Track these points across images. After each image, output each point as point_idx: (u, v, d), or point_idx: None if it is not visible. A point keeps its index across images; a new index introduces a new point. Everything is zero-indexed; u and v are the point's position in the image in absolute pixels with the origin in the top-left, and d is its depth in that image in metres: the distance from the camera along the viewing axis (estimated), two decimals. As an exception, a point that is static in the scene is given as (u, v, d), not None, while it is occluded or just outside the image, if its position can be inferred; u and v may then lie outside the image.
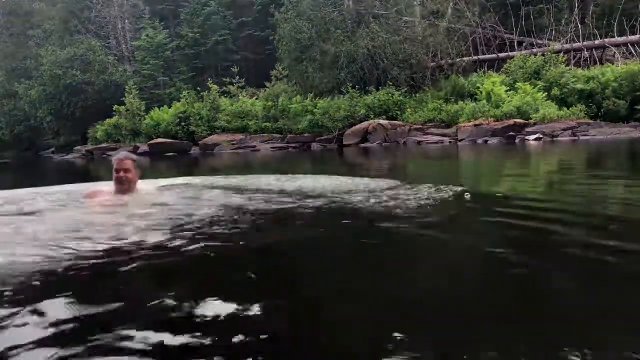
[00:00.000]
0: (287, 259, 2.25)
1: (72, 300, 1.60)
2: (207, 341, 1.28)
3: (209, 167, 11.16)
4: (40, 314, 1.49)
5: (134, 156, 3.80)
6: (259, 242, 2.50)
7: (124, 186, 3.55)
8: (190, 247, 2.26)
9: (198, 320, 1.43)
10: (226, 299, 1.59)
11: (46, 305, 1.56)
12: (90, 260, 2.06)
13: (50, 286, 1.79)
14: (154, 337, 1.31)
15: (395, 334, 1.27)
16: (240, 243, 2.46)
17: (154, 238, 2.43)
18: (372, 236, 2.53)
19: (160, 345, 1.27)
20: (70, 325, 1.40)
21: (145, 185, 3.94)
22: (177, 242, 2.34)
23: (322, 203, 3.51)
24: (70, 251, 2.21)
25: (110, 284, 1.86)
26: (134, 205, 3.40)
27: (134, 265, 2.01)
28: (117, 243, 2.36)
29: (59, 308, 1.53)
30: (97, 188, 3.86)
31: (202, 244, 2.31)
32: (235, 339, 1.29)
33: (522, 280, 1.77)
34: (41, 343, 1.29)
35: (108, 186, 3.74)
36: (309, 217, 3.16)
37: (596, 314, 1.45)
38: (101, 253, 2.17)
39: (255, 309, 1.49)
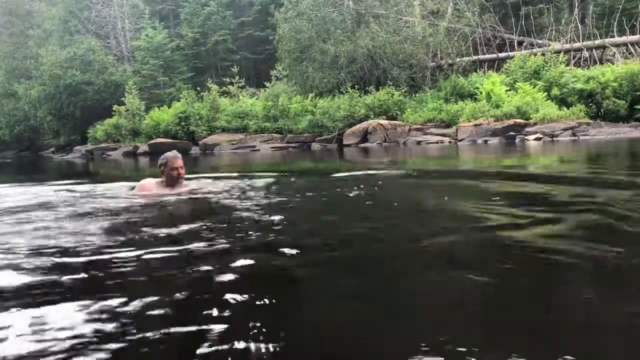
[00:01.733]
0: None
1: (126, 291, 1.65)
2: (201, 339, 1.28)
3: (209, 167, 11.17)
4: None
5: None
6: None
7: (180, 181, 4.02)
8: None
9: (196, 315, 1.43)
10: (228, 294, 1.59)
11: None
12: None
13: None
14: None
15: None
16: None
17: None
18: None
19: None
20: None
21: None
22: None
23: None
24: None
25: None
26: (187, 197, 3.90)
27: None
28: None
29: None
30: (148, 181, 4.18)
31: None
32: (238, 343, 1.29)
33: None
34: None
35: (154, 180, 4.18)
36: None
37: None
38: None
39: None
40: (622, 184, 4.10)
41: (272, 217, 2.96)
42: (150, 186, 4.06)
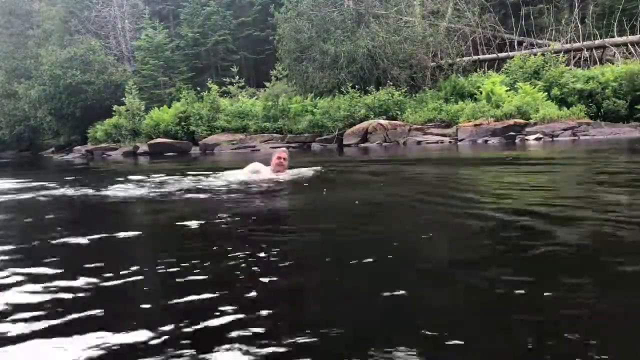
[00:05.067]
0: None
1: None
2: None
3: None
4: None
5: None
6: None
7: (282, 169, 5.45)
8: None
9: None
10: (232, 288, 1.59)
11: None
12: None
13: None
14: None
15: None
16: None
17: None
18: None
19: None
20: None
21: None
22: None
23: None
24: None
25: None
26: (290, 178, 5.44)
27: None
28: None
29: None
30: (259, 165, 5.54)
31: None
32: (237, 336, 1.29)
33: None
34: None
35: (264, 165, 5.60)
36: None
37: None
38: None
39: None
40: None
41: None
42: (261, 167, 5.50)
